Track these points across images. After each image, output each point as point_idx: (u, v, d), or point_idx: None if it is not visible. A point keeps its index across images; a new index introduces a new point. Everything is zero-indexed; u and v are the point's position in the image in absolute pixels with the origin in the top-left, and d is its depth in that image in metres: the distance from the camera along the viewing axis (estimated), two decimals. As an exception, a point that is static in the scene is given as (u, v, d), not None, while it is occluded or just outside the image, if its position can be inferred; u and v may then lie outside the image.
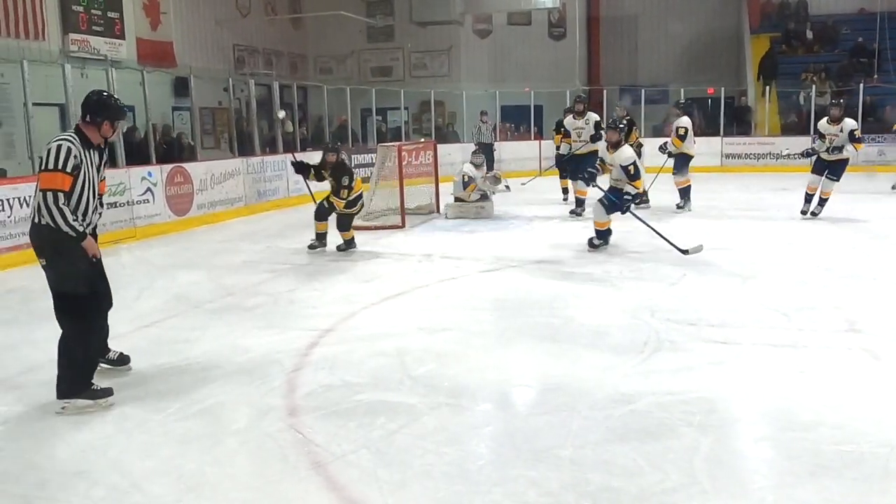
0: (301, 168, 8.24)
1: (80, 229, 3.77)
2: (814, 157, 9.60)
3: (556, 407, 3.67)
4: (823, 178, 9.40)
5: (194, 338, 4.98)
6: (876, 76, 18.33)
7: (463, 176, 10.43)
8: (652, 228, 7.37)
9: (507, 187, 10.93)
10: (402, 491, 2.92)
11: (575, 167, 10.26)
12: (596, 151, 9.70)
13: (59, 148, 3.70)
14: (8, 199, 7.63)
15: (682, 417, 3.49)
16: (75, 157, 3.72)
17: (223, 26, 16.82)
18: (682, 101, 12.08)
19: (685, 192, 10.76)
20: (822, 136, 9.48)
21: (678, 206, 10.70)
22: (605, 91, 18.68)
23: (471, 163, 10.59)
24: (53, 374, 4.20)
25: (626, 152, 7.59)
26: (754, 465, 3.15)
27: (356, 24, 19.54)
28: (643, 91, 18.12)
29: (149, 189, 9.67)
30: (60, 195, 3.69)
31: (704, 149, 17.45)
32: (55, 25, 12.09)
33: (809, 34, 20.42)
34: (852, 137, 9.26)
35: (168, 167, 10.18)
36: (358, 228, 9.64)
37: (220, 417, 3.68)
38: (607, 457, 3.14)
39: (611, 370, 4.15)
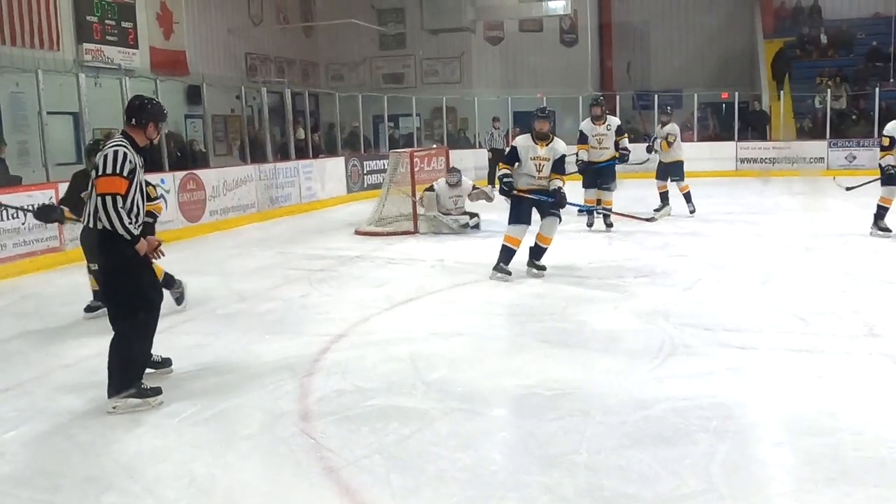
0: (47, 214, 5.76)
1: (136, 233, 3.86)
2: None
3: (569, 412, 3.63)
4: None
5: (206, 343, 4.99)
6: (892, 80, 18.22)
7: (430, 185, 9.96)
8: (607, 210, 7.29)
9: (477, 226, 9.70)
10: (414, 496, 2.89)
11: (593, 177, 9.47)
12: (615, 158, 9.43)
13: (115, 153, 3.80)
14: (23, 207, 7.66)
15: (698, 423, 3.44)
16: (130, 161, 3.83)
17: (235, 35, 16.92)
18: (668, 108, 11.80)
19: (689, 197, 10.67)
20: (892, 144, 8.23)
21: (691, 212, 10.61)
22: (618, 96, 18.63)
23: (445, 181, 9.85)
24: (65, 380, 4.23)
25: (562, 142, 6.75)
26: (772, 471, 3.09)
27: (368, 32, 19.61)
28: (656, 96, 18.06)
29: (161, 196, 9.69)
30: (119, 198, 3.77)
31: (720, 153, 17.45)
32: (69, 35, 12.20)
33: (824, 38, 20.33)
34: None
35: (181, 174, 10.23)
36: (370, 234, 9.67)
37: (232, 422, 3.67)
38: (622, 462, 3.09)
39: (625, 375, 4.11)
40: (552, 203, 6.62)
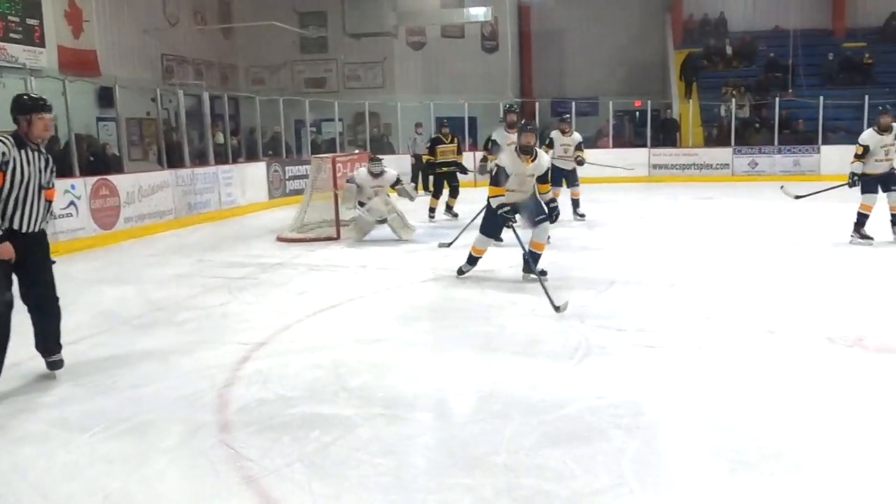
0: None
1: (4, 226, 3.92)
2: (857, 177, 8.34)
3: (490, 414, 3.72)
4: (884, 193, 8.27)
5: (122, 354, 4.86)
6: (790, 90, 19.18)
7: (350, 177, 9.49)
8: (539, 278, 6.27)
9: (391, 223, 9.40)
10: (336, 503, 2.91)
11: None
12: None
13: None
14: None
15: (611, 420, 3.58)
16: (3, 154, 3.89)
17: (150, 35, 16.49)
18: (567, 116, 11.88)
19: (579, 203, 10.84)
20: (865, 152, 8.23)
21: (581, 216, 10.72)
22: (537, 103, 19.01)
23: (367, 169, 9.37)
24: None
25: (546, 156, 6.78)
26: (679, 463, 3.24)
27: (289, 35, 19.40)
28: (573, 103, 18.51)
29: (72, 202, 9.38)
30: None
31: (634, 159, 18.03)
32: (-31, 33, 11.66)
33: (729, 50, 21.26)
34: None
35: (92, 180, 9.89)
36: (293, 241, 9.58)
37: (148, 435, 3.60)
38: (540, 461, 3.19)
39: (543, 376, 4.22)
40: (546, 216, 6.58)
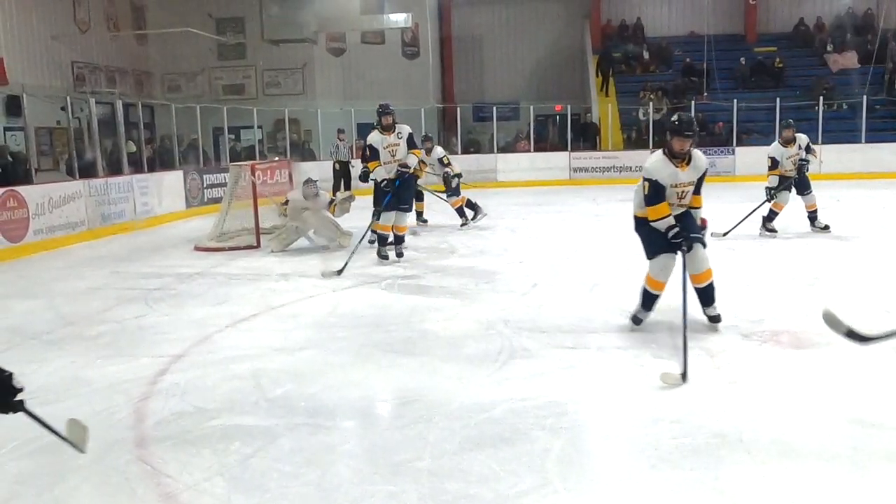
0: None
1: None
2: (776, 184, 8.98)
3: (413, 420, 3.70)
4: (800, 196, 9.10)
5: (30, 371, 4.64)
6: (706, 94, 19.87)
7: (286, 200, 9.32)
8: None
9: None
10: (257, 516, 2.86)
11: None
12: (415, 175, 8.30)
13: None
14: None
15: (535, 422, 3.61)
16: None
17: (60, 42, 15.91)
18: (429, 134, 11.83)
19: (463, 210, 10.66)
20: (775, 163, 8.92)
21: (463, 225, 10.52)
22: (458, 108, 19.15)
23: (302, 194, 9.09)
24: None
25: (703, 156, 5.26)
26: (601, 462, 3.30)
27: (205, 41, 19.05)
28: (495, 108, 18.74)
29: None
30: None
31: (555, 163, 18.41)
32: None
33: (646, 54, 21.90)
34: (808, 149, 9.00)
35: (-1, 191, 9.48)
36: (211, 250, 9.37)
37: (60, 454, 3.43)
38: (464, 465, 3.19)
39: (466, 380, 4.23)
40: (700, 236, 5.11)
